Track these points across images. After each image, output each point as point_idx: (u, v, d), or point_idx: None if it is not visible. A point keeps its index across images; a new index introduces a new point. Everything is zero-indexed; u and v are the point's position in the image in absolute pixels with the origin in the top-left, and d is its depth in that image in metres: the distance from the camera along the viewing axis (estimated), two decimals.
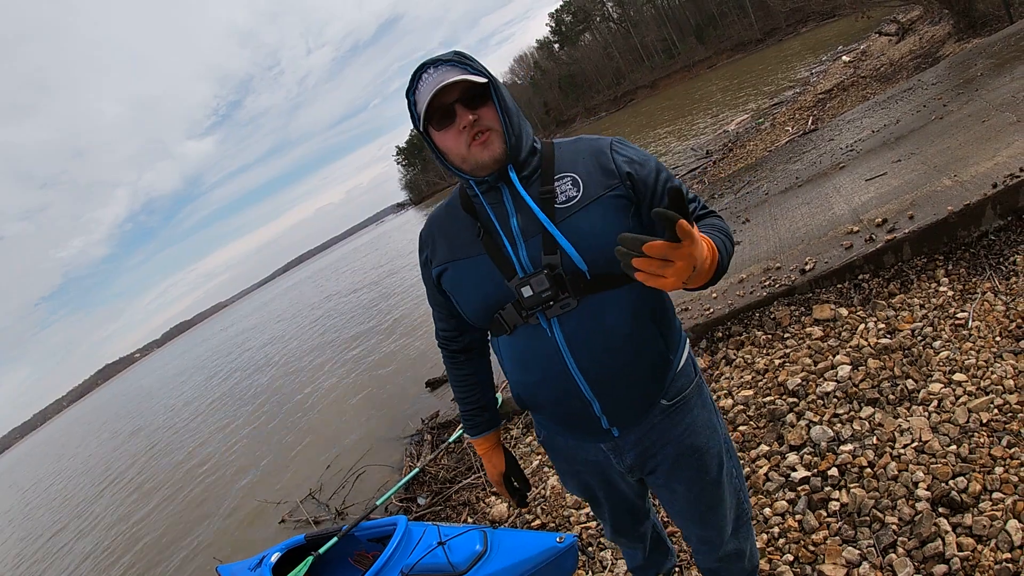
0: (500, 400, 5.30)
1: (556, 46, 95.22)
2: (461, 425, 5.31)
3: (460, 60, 1.44)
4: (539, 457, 4.39)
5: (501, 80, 1.53)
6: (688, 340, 1.73)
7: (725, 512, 1.83)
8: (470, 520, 4.21)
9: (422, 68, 1.45)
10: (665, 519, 3.02)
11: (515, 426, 5.10)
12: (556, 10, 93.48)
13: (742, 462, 3.12)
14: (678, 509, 1.84)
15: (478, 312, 1.60)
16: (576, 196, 1.49)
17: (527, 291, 1.49)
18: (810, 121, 11.00)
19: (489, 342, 1.86)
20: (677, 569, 2.64)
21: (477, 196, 1.57)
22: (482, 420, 1.96)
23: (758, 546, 2.54)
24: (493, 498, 4.28)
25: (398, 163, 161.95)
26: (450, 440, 5.13)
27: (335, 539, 4.05)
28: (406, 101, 1.49)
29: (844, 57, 18.57)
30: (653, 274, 1.13)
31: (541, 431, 1.88)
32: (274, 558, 4.41)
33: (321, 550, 3.98)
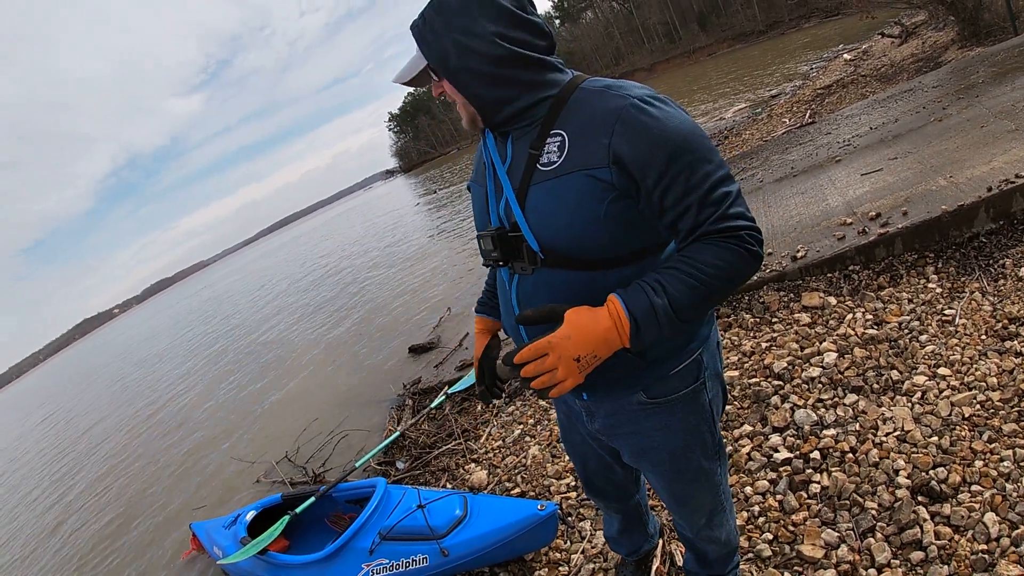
0: None
1: (557, 22, 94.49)
2: (442, 391, 5.34)
3: (419, 34, 1.39)
4: (520, 427, 4.41)
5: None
6: (706, 348, 1.60)
7: (699, 507, 1.84)
8: (449, 486, 4.22)
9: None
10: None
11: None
12: None
13: (725, 441, 3.14)
14: (651, 484, 1.87)
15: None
16: (556, 163, 1.37)
17: (481, 244, 1.56)
18: (808, 114, 11.01)
19: None
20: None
21: (484, 137, 1.56)
22: (486, 302, 2.03)
23: (738, 523, 2.58)
24: (473, 465, 4.30)
25: (390, 129, 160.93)
26: (431, 406, 5.14)
27: (312, 499, 4.05)
28: None
29: (845, 55, 18.56)
30: (547, 380, 1.27)
31: None
32: (249, 516, 4.41)
33: (298, 510, 3.98)
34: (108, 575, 6.28)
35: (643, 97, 1.30)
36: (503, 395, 2.10)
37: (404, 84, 1.49)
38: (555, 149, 1.37)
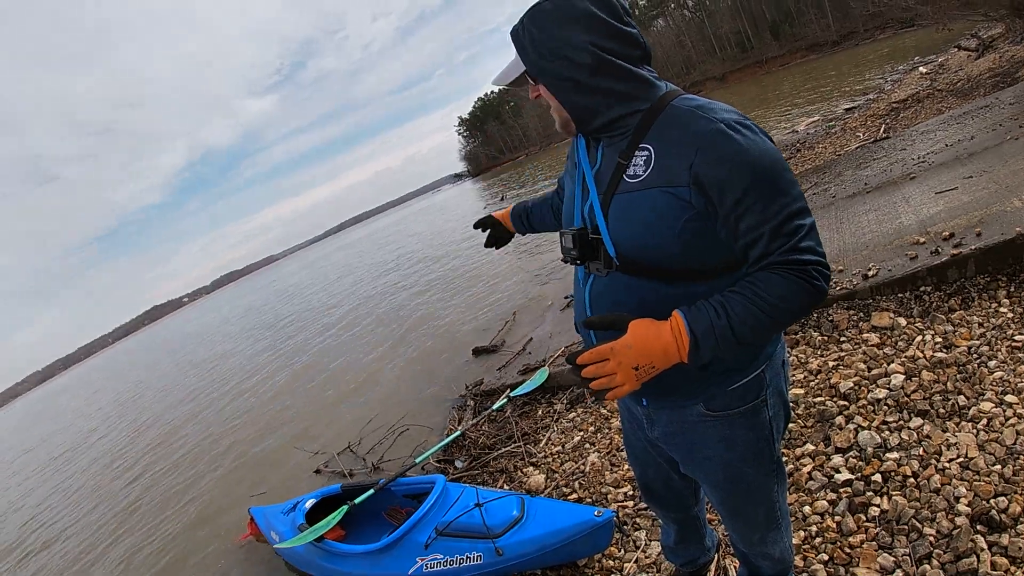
0: (547, 373, 5.36)
1: None
2: (504, 394, 5.40)
3: (518, 40, 1.47)
4: (580, 433, 4.44)
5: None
6: (770, 366, 1.62)
7: (753, 522, 1.85)
8: (506, 487, 4.28)
9: None
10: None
11: (559, 401, 5.17)
12: None
13: (786, 459, 3.14)
14: (708, 497, 1.90)
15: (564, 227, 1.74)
16: (640, 176, 1.41)
17: (563, 240, 1.63)
18: (882, 129, 10.77)
19: None
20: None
21: (576, 141, 1.66)
22: (519, 208, 2.40)
23: (795, 542, 2.58)
24: (531, 468, 4.35)
25: (459, 134, 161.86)
26: (493, 408, 5.19)
27: (371, 491, 4.12)
28: None
29: (921, 68, 18.07)
30: (605, 383, 1.32)
31: None
32: (308, 504, 4.52)
33: (356, 500, 4.05)
34: (164, 545, 6.54)
35: (730, 122, 1.32)
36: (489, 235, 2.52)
37: (505, 86, 1.60)
38: (641, 163, 1.41)
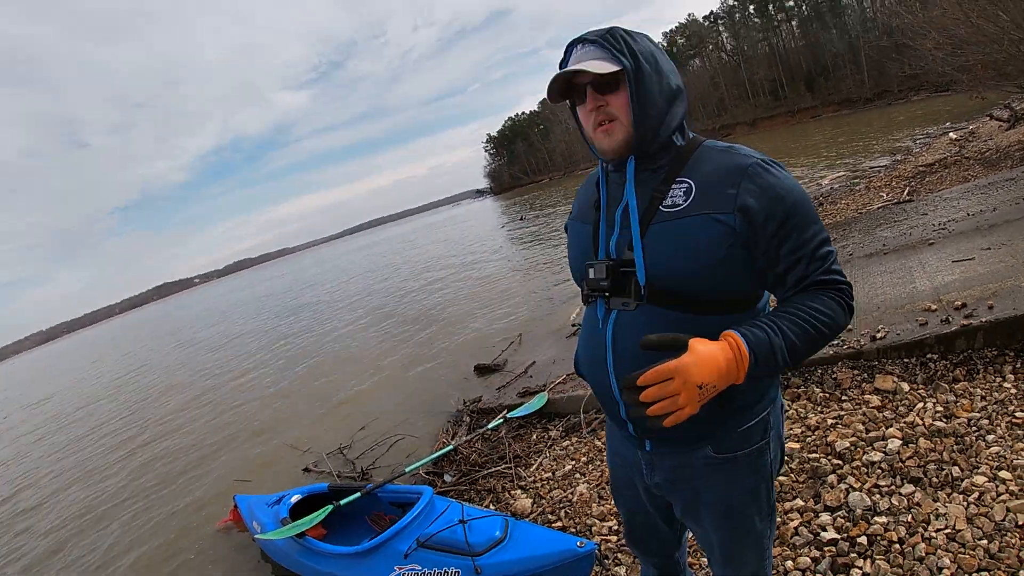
0: (545, 398, 5.36)
1: None
2: (501, 414, 5.40)
3: (606, 41, 1.46)
4: (572, 462, 4.44)
5: None
6: (772, 409, 1.65)
7: (745, 568, 1.82)
8: (492, 507, 4.27)
9: (573, 44, 1.52)
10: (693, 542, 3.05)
11: (555, 428, 5.17)
12: (671, 30, 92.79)
13: None
14: (699, 540, 1.86)
15: (573, 272, 1.76)
16: (681, 205, 1.45)
17: (591, 273, 1.59)
18: (906, 191, 10.77)
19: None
20: None
21: (602, 173, 1.67)
22: None
23: None
24: (519, 491, 4.34)
25: (486, 150, 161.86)
26: (488, 426, 5.20)
27: (358, 494, 4.13)
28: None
29: (951, 134, 18.06)
30: (668, 405, 1.24)
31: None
32: (294, 499, 4.54)
33: (342, 502, 4.07)
34: (147, 523, 6.59)
35: (764, 159, 1.43)
36: None
37: (555, 100, 1.57)
38: (681, 193, 1.46)
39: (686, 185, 1.46)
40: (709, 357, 1.26)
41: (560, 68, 1.53)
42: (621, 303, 1.54)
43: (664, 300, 1.47)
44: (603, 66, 1.44)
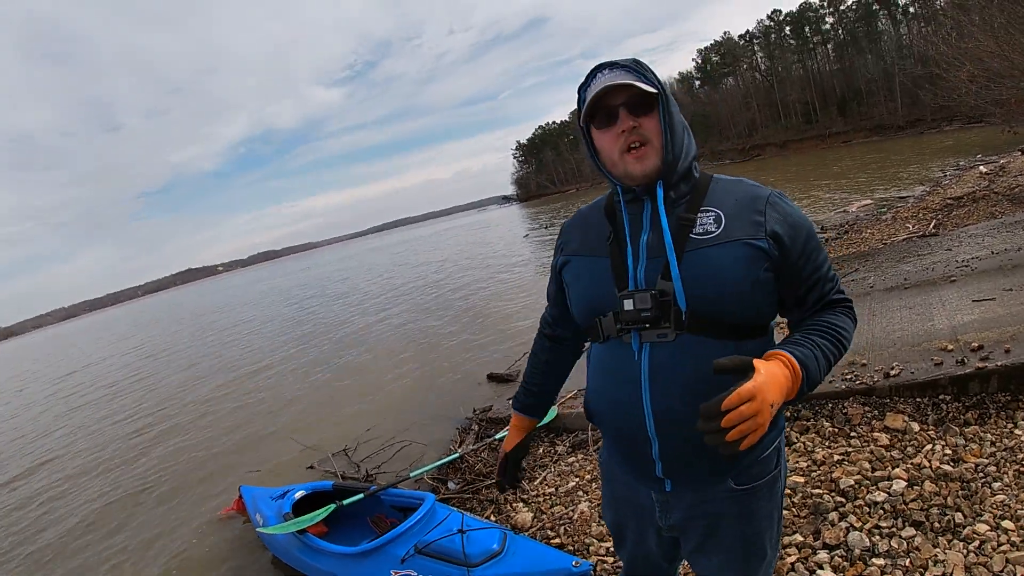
0: (555, 412, 5.36)
1: (697, 83, 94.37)
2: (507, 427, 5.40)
3: (636, 67, 1.48)
4: (576, 479, 4.44)
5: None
6: (781, 437, 1.67)
7: None
8: (493, 519, 4.28)
9: (599, 68, 1.52)
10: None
11: (562, 443, 5.16)
12: (705, 48, 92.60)
13: None
14: (701, 573, 1.84)
15: (583, 309, 1.66)
16: (714, 232, 1.47)
17: (628, 304, 1.50)
18: (932, 224, 10.69)
19: (585, 352, 1.86)
20: None
21: (620, 203, 1.61)
22: (530, 402, 2.05)
23: None
24: (520, 504, 4.35)
25: (515, 157, 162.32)
26: (496, 437, 5.21)
27: (361, 495, 4.17)
28: (577, 96, 1.57)
29: (982, 167, 17.88)
30: (749, 426, 1.19)
31: (603, 451, 1.89)
32: (298, 495, 4.57)
33: (345, 501, 4.10)
34: (153, 502, 6.77)
35: (776, 191, 1.55)
36: (518, 484, 2.15)
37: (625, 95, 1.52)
38: (711, 221, 1.49)
39: (714, 213, 1.49)
40: (776, 376, 1.27)
41: (579, 92, 1.55)
42: (656, 334, 1.49)
43: (702, 328, 1.46)
44: (640, 84, 1.44)
